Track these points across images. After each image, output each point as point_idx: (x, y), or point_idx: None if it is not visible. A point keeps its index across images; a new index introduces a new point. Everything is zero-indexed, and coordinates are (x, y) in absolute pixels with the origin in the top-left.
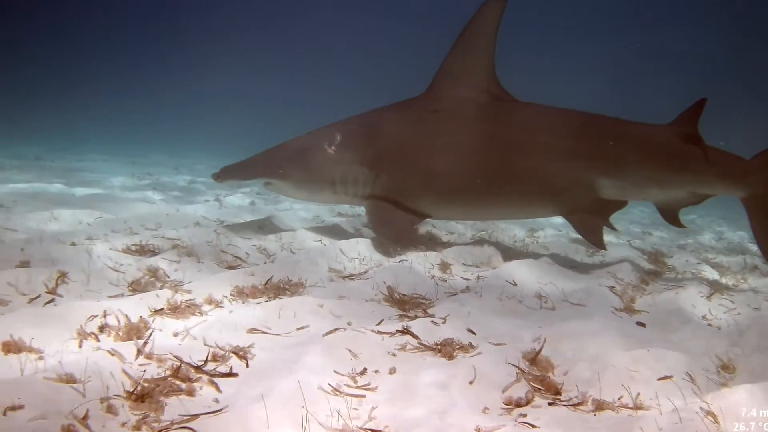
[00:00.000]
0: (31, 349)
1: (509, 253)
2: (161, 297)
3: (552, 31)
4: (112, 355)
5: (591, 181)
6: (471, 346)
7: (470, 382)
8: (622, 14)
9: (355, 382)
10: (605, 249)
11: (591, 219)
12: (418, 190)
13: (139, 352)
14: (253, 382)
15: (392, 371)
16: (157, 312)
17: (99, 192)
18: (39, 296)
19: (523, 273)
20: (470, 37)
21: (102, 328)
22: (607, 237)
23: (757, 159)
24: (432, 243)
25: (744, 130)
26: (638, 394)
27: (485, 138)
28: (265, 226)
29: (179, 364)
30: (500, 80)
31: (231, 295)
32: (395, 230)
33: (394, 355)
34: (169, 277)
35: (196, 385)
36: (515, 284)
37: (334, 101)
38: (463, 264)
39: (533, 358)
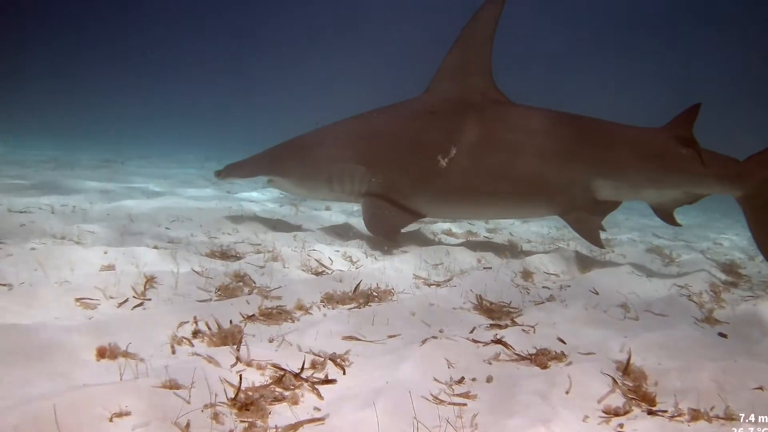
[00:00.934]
0: (126, 354)
1: (587, 261)
2: (252, 303)
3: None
4: (210, 361)
5: (588, 182)
6: (563, 355)
7: (566, 392)
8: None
9: (453, 390)
10: (603, 248)
11: (587, 218)
12: (413, 189)
13: (238, 359)
14: (353, 389)
15: (489, 379)
16: (249, 318)
17: (171, 195)
18: (127, 300)
19: (604, 282)
20: (467, 39)
21: (195, 334)
22: (684, 249)
23: (750, 161)
24: (513, 251)
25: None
26: (727, 406)
27: (481, 139)
28: (344, 232)
29: (282, 372)
30: (497, 83)
31: (321, 301)
32: (388, 228)
33: (489, 363)
34: (255, 282)
35: (297, 392)
36: (597, 293)
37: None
38: (545, 272)
39: (625, 369)
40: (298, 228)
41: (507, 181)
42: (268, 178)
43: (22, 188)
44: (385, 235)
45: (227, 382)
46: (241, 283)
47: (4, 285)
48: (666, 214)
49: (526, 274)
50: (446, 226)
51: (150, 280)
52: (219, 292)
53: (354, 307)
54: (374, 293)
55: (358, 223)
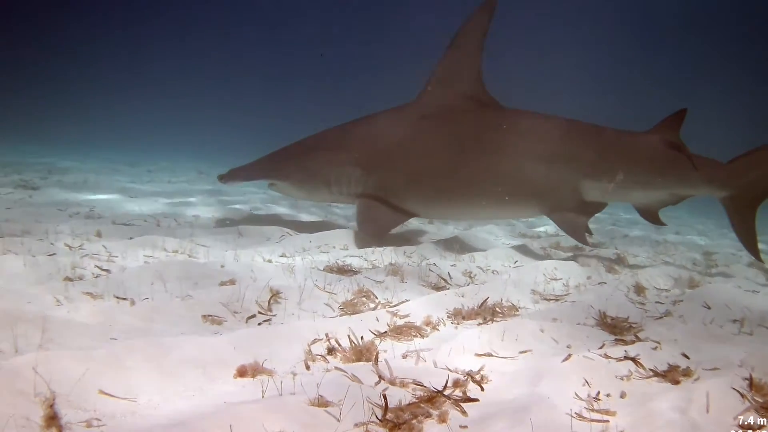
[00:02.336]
0: (263, 370)
1: (694, 276)
2: (381, 319)
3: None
4: (353, 379)
5: (575, 183)
6: (690, 370)
7: (706, 409)
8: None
9: (594, 406)
10: (589, 245)
11: (574, 218)
12: (406, 190)
13: (381, 376)
14: (497, 406)
15: (623, 395)
16: (382, 334)
17: (274, 209)
18: (254, 316)
19: (715, 297)
20: (458, 47)
21: (331, 350)
22: None
23: (735, 163)
24: (621, 266)
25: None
26: None
27: (470, 141)
28: (453, 246)
29: (427, 390)
30: (488, 87)
31: (447, 316)
32: (378, 227)
33: (621, 379)
34: (377, 297)
35: (444, 409)
36: (709, 308)
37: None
38: (655, 287)
39: (750, 384)
40: (408, 241)
41: (496, 182)
42: (269, 182)
43: (120, 201)
44: (374, 235)
45: (373, 400)
46: (364, 298)
47: (125, 299)
48: (651, 215)
49: (639, 289)
50: (554, 240)
51: (276, 296)
52: (343, 308)
53: (482, 323)
54: (499, 309)
55: (466, 236)
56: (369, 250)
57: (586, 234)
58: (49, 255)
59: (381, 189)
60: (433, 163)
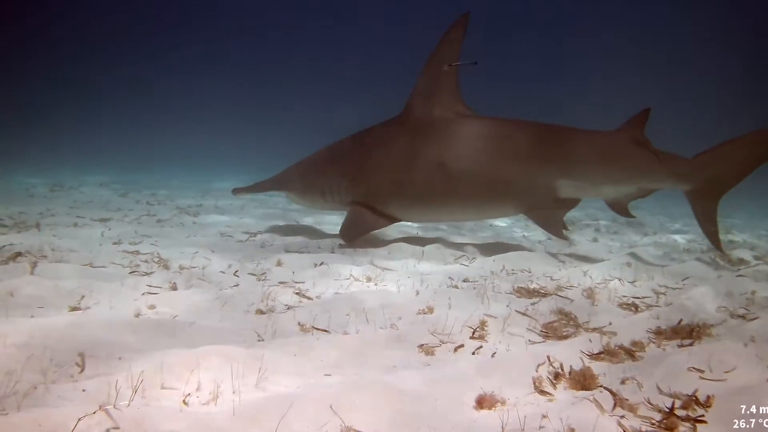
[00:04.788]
0: (497, 400)
1: None
2: (594, 341)
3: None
4: (596, 404)
5: (549, 182)
6: None
7: None
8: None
9: None
10: (567, 240)
11: (552, 215)
12: (391, 196)
13: (617, 402)
14: (720, 426)
15: None
16: (595, 356)
17: (440, 230)
18: (462, 345)
19: None
20: (435, 63)
21: (556, 376)
22: None
23: (699, 158)
24: None
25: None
26: None
27: (450, 149)
28: (630, 264)
29: (666, 412)
30: (466, 99)
31: (649, 337)
32: (357, 231)
33: None
34: (578, 318)
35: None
36: None
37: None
38: None
39: None
40: (584, 260)
41: (475, 185)
42: (285, 193)
43: (286, 228)
44: (351, 237)
45: (610, 427)
46: (565, 321)
47: (326, 331)
48: (621, 208)
49: None
50: (714, 253)
51: (483, 324)
52: (547, 331)
53: (682, 345)
54: (695, 328)
55: (637, 253)
56: (553, 270)
57: (563, 229)
58: (233, 287)
59: (368, 197)
60: (414, 171)
